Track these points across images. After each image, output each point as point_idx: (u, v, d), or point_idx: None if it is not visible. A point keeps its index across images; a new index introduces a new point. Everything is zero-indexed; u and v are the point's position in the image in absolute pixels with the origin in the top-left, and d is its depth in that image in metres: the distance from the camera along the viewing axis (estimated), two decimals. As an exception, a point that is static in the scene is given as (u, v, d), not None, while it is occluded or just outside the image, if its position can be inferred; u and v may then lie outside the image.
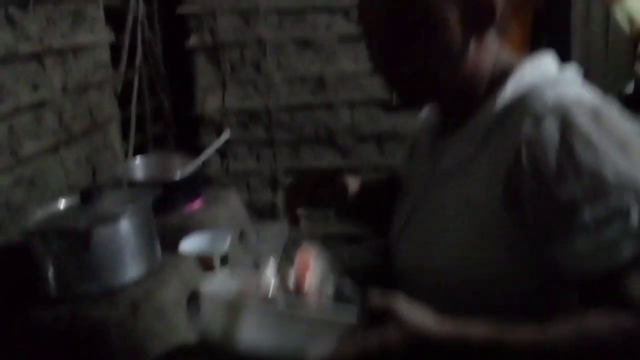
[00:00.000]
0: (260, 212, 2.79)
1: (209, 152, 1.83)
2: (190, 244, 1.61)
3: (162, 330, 1.26)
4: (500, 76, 0.87)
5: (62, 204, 1.40)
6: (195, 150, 2.07)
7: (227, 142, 2.65)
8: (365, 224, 1.19)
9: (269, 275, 0.82)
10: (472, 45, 0.86)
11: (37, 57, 1.56)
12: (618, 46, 3.01)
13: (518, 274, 0.80)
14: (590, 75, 3.55)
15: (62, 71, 1.68)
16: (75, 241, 1.22)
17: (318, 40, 2.64)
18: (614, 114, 0.79)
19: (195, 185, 1.77)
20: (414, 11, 0.84)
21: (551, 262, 0.77)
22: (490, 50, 0.88)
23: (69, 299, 1.25)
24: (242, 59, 2.66)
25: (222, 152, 2.74)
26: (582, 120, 0.76)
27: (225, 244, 1.63)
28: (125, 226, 1.27)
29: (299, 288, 0.81)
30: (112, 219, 1.25)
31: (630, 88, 3.08)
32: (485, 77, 0.88)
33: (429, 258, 0.88)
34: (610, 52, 3.13)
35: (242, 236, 1.84)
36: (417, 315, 0.71)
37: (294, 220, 1.01)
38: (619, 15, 2.59)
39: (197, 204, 1.77)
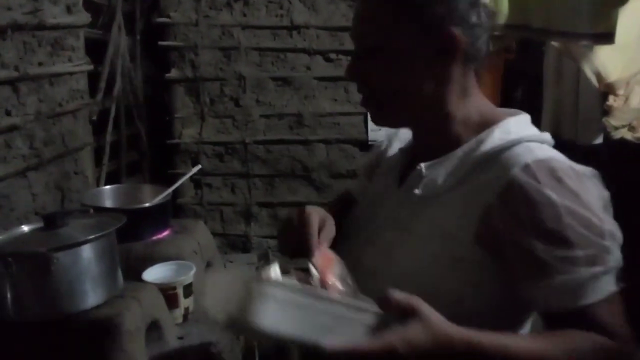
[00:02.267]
0: (233, 244, 2.80)
1: (179, 182, 1.85)
2: (154, 273, 1.61)
3: (119, 359, 1.25)
4: (480, 121, 0.93)
5: (25, 227, 1.40)
6: (170, 179, 2.08)
7: (202, 172, 2.68)
8: None
9: (275, 274, 0.77)
10: (435, 78, 0.90)
11: (12, 83, 1.58)
12: (588, 99, 3.12)
13: (478, 297, 0.86)
14: (560, 126, 3.65)
15: (36, 98, 1.70)
16: (35, 265, 1.22)
17: (297, 80, 2.71)
18: (591, 179, 0.86)
19: (164, 214, 1.78)
20: (374, 36, 0.90)
21: (520, 295, 0.84)
22: (460, 88, 0.92)
23: (26, 323, 1.24)
24: (222, 93, 2.71)
25: (196, 183, 2.76)
26: (571, 182, 0.82)
27: (190, 275, 1.63)
28: (87, 252, 1.27)
29: (323, 281, 0.79)
30: (73, 244, 1.26)
31: (599, 139, 3.17)
32: (460, 116, 0.93)
33: (394, 269, 0.92)
34: (580, 105, 3.23)
35: (209, 267, 1.84)
36: (437, 316, 0.73)
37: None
38: (587, 71, 2.69)
39: (164, 234, 1.77)
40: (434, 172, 0.92)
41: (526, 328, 0.94)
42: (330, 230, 0.95)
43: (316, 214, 0.94)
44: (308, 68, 2.72)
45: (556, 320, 0.82)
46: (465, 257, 0.86)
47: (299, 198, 2.77)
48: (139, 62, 2.59)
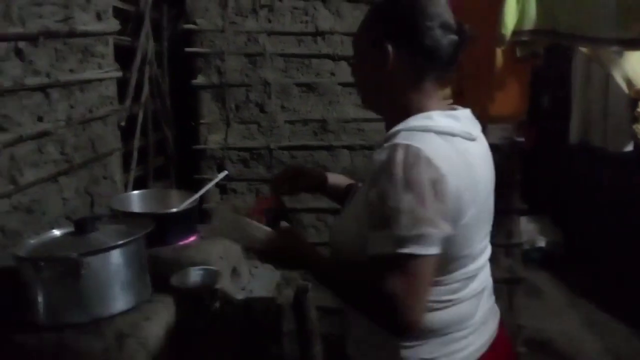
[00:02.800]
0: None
1: (206, 188, 1.86)
2: (181, 279, 1.62)
3: (145, 364, 1.26)
4: (412, 113, 1.16)
5: (57, 232, 1.43)
6: (196, 184, 2.09)
7: (228, 178, 2.70)
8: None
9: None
10: (383, 80, 1.17)
11: (43, 90, 1.61)
12: (617, 105, 3.06)
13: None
14: (589, 133, 3.59)
15: (67, 104, 1.73)
16: (66, 270, 1.24)
17: (322, 86, 2.71)
18: (428, 161, 1.05)
19: (191, 219, 1.80)
20: (355, 52, 1.24)
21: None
22: (403, 89, 1.17)
23: (56, 326, 1.26)
24: (247, 99, 2.72)
25: (222, 188, 2.77)
26: (397, 159, 1.04)
27: (216, 280, 1.64)
28: (116, 257, 1.30)
29: (250, 216, 1.27)
30: (104, 249, 1.28)
31: (630, 147, 3.11)
32: (402, 111, 1.16)
33: (337, 229, 1.27)
34: (609, 111, 3.18)
35: (234, 273, 1.85)
36: (293, 235, 1.22)
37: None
38: (617, 77, 2.65)
39: (191, 239, 1.79)
40: (374, 154, 1.14)
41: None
42: (303, 180, 1.43)
43: (288, 171, 1.44)
44: (332, 74, 2.72)
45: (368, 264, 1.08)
46: (361, 217, 1.10)
47: (322, 204, 2.75)
48: (166, 69, 2.62)
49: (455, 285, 1.13)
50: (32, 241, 1.38)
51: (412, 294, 1.02)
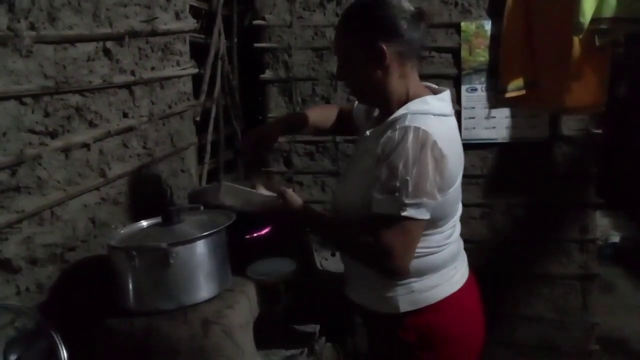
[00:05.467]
0: (324, 242, 2.84)
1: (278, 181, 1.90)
2: (257, 269, 1.67)
3: (229, 351, 1.31)
4: (407, 99, 1.40)
5: (144, 223, 1.50)
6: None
7: (294, 171, 2.75)
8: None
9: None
10: (379, 74, 1.38)
11: (128, 87, 1.69)
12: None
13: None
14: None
15: (149, 100, 1.81)
16: (156, 259, 1.30)
17: (388, 77, 2.70)
18: (434, 144, 1.29)
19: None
20: (341, 53, 1.43)
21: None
22: (395, 80, 1.39)
23: (145, 312, 1.33)
24: (314, 92, 2.75)
25: (288, 181, 2.82)
26: (410, 141, 1.29)
27: (290, 271, 1.68)
28: (202, 247, 1.35)
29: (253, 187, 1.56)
30: (191, 239, 1.33)
31: None
32: (396, 97, 1.41)
33: (341, 196, 1.51)
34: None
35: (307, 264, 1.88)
36: (294, 197, 1.43)
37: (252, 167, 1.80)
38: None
39: (265, 230, 1.83)
40: (372, 134, 1.43)
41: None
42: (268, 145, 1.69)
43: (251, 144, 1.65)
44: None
45: (369, 220, 1.33)
46: (368, 184, 1.34)
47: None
48: (235, 64, 2.68)
49: (447, 232, 1.45)
50: (122, 231, 1.46)
51: (405, 247, 1.31)
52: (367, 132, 1.46)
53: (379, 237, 1.29)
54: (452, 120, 1.43)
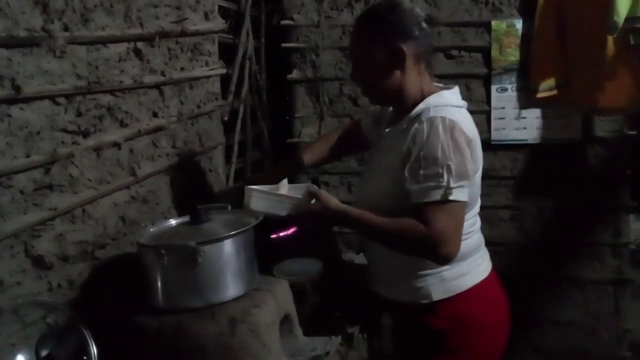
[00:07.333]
0: (349, 243, 2.83)
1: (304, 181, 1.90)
2: (284, 269, 1.67)
3: (256, 350, 1.31)
4: (423, 97, 1.47)
5: (173, 221, 1.52)
6: (289, 177, 2.13)
7: (321, 171, 2.74)
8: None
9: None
10: (397, 74, 1.47)
11: (158, 87, 1.71)
12: None
13: (400, 201, 1.40)
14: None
15: (178, 100, 1.82)
16: (184, 257, 1.31)
17: (416, 77, 2.68)
18: (461, 130, 1.39)
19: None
20: (357, 54, 1.51)
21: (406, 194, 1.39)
22: (412, 79, 1.48)
23: (173, 310, 1.34)
24: (341, 92, 2.74)
25: (314, 181, 2.81)
26: (440, 129, 1.37)
27: (317, 271, 1.67)
28: (229, 247, 1.35)
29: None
30: (219, 238, 1.34)
31: None
32: (412, 95, 1.49)
33: (364, 191, 1.60)
34: None
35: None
36: (329, 198, 1.46)
37: None
38: None
39: (291, 230, 1.83)
40: (393, 131, 1.51)
41: None
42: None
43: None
44: (427, 66, 2.68)
45: (410, 212, 1.36)
46: (397, 179, 1.40)
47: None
48: (263, 65, 2.69)
49: (472, 220, 1.51)
50: (151, 230, 1.47)
51: (456, 230, 1.36)
52: (387, 130, 1.53)
53: (430, 225, 1.32)
54: (467, 111, 1.51)
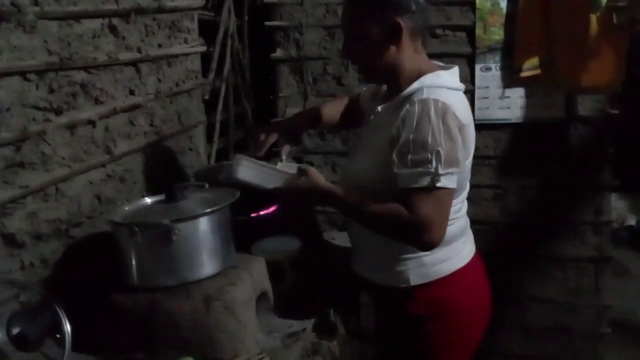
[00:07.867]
0: (333, 222, 2.83)
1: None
2: (262, 247, 1.67)
3: (231, 327, 1.32)
4: (418, 75, 1.41)
5: (148, 200, 1.51)
6: (272, 156, 2.13)
7: (304, 151, 2.73)
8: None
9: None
10: (392, 50, 1.40)
11: (135, 65, 1.69)
12: None
13: (386, 183, 1.36)
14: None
15: (156, 78, 1.80)
16: (158, 235, 1.30)
17: (400, 56, 2.66)
18: (454, 115, 1.33)
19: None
20: (351, 29, 1.44)
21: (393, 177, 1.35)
22: (408, 55, 1.42)
23: (148, 288, 1.34)
24: (325, 72, 2.71)
25: (298, 161, 2.80)
26: (432, 112, 1.31)
27: (296, 249, 1.68)
28: (204, 224, 1.35)
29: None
30: (193, 216, 1.33)
31: None
32: (407, 73, 1.42)
33: (352, 172, 1.54)
34: None
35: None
36: (318, 175, 1.43)
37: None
38: None
39: (271, 209, 1.83)
40: (384, 109, 1.45)
41: None
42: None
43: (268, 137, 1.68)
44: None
45: (397, 196, 1.33)
46: (384, 160, 1.36)
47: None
48: (246, 43, 2.66)
49: (458, 206, 1.47)
50: (126, 208, 1.46)
51: (442, 218, 1.32)
52: (379, 108, 1.46)
53: (415, 211, 1.29)
54: (463, 95, 1.46)
